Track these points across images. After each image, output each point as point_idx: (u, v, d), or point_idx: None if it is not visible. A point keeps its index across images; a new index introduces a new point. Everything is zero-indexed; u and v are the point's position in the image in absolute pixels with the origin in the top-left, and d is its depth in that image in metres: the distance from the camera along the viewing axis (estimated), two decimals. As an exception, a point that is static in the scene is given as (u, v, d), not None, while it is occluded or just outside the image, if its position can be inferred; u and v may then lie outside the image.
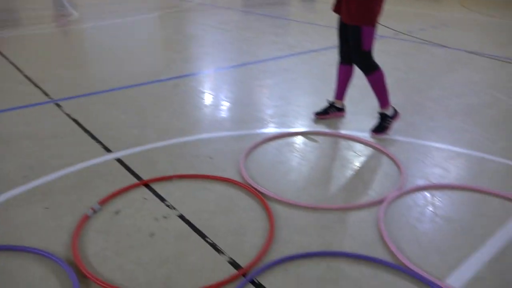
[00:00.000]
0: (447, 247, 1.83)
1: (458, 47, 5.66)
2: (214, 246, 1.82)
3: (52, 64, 4.69)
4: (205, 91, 3.83)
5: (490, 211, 2.10)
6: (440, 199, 2.20)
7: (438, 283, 1.60)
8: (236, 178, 2.36)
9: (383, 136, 2.91)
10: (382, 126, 2.91)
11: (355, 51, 2.74)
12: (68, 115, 3.22)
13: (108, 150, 2.68)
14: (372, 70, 2.76)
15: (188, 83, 4.04)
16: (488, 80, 4.22)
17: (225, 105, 3.50)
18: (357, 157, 2.66)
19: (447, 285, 1.60)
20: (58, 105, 3.42)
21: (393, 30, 6.84)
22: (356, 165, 2.55)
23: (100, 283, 1.58)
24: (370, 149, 2.76)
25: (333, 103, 3.17)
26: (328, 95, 3.44)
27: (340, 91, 3.12)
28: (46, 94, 3.69)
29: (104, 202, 2.10)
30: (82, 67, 4.63)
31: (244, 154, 2.59)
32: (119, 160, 2.55)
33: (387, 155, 2.65)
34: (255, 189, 2.23)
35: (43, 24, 7.14)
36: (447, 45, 5.77)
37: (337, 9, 2.81)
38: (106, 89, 3.82)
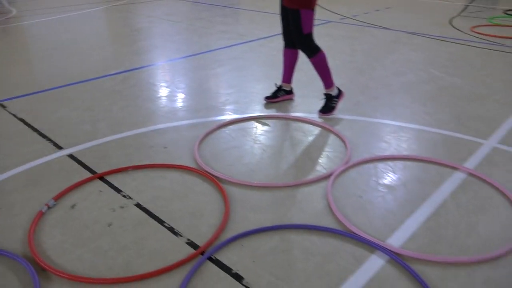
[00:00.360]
0: (389, 212, 2.00)
1: (399, 28, 5.95)
2: (172, 230, 1.89)
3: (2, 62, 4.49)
4: (157, 83, 3.83)
5: (427, 177, 2.29)
6: (382, 169, 2.37)
7: (380, 243, 1.76)
8: (191, 164, 2.42)
9: (330, 116, 3.06)
10: (329, 106, 3.06)
11: (296, 34, 2.85)
12: (14, 115, 3.13)
13: (59, 147, 2.65)
14: (314, 53, 2.89)
15: (139, 76, 4.02)
16: (426, 59, 4.49)
17: (177, 95, 3.53)
18: (306, 137, 2.80)
19: (387, 245, 1.76)
20: (2, 106, 3.31)
21: (339, 14, 7.05)
22: (305, 145, 2.69)
23: (60, 274, 1.61)
24: (318, 128, 2.90)
25: (281, 86, 3.29)
26: (277, 79, 3.54)
27: (287, 75, 3.23)
28: (-12, 95, 3.55)
29: (58, 197, 2.10)
30: (27, 65, 4.47)
31: (198, 142, 2.65)
32: (71, 156, 2.53)
33: (334, 133, 2.80)
34: (210, 173, 2.31)
35: (-21, 23, 6.76)
36: (389, 27, 6.05)
37: None
38: (54, 87, 3.73)
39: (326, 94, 3.07)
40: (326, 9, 7.55)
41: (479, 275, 1.62)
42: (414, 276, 1.59)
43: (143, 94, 3.56)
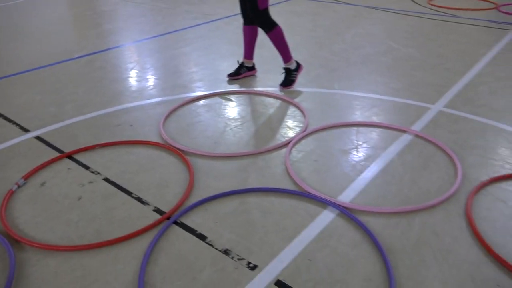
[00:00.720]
0: (341, 173, 2.18)
1: (360, 3, 6.09)
2: (139, 199, 2.00)
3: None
4: (122, 64, 3.87)
5: (377, 141, 2.48)
6: (336, 136, 2.54)
7: (332, 200, 1.93)
8: (157, 140, 2.53)
9: (291, 89, 3.20)
10: (288, 79, 3.19)
11: (252, 10, 2.96)
12: (-23, 101, 3.14)
13: (25, 130, 2.70)
14: (271, 28, 3.01)
15: (104, 58, 4.03)
16: (385, 32, 4.67)
17: (143, 75, 3.58)
18: (267, 109, 2.93)
19: (338, 201, 1.93)
20: (-35, 93, 3.30)
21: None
22: (266, 117, 2.82)
23: (33, 244, 1.71)
24: (279, 101, 3.04)
25: (243, 63, 3.39)
26: (241, 56, 3.64)
27: (248, 51, 3.34)
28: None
29: (28, 176, 2.18)
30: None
31: (163, 118, 2.74)
32: (39, 138, 2.59)
33: (293, 105, 2.95)
34: (174, 147, 2.42)
35: None
36: (350, 2, 6.19)
37: None
38: (17, 72, 3.72)
39: (285, 68, 3.20)
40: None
41: (417, 222, 1.81)
42: (361, 226, 1.77)
43: (109, 75, 3.60)
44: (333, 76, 3.45)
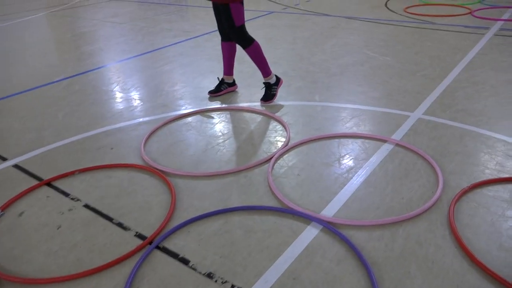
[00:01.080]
0: (324, 186, 2.17)
1: (338, 14, 6.18)
2: (120, 225, 1.97)
3: None
4: (102, 86, 3.84)
5: (359, 152, 2.49)
6: (318, 149, 2.54)
7: (315, 215, 1.92)
8: (138, 162, 2.50)
9: (272, 103, 3.21)
10: (269, 94, 3.20)
11: (229, 28, 2.97)
12: (-47, 131, 3.07)
13: (3, 158, 2.65)
14: (248, 44, 3.03)
15: (84, 81, 4.00)
16: (362, 41, 4.73)
17: (124, 96, 3.56)
18: (248, 125, 2.93)
19: (321, 216, 1.93)
20: None
21: (282, 4, 7.22)
22: (248, 133, 2.82)
23: (10, 279, 1.66)
24: (261, 116, 3.04)
25: (223, 79, 3.40)
26: (221, 73, 3.65)
27: (228, 67, 3.35)
28: None
29: (5, 207, 2.13)
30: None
31: (144, 139, 2.72)
32: (17, 166, 2.54)
33: (275, 119, 2.95)
34: (156, 168, 2.39)
35: None
36: (328, 13, 6.28)
37: None
38: (-6, 99, 3.67)
39: (265, 83, 3.22)
40: (269, 0, 7.69)
41: (401, 233, 1.81)
42: (345, 241, 1.77)
43: (89, 98, 3.56)
44: (314, 88, 3.48)
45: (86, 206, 2.12)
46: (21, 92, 3.78)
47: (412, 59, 4.03)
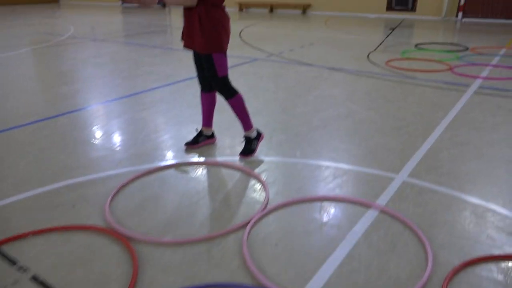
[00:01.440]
0: (303, 260, 1.98)
1: (321, 64, 6.22)
2: (70, 304, 1.71)
3: None
4: (73, 132, 3.63)
5: (342, 218, 2.32)
6: (298, 214, 2.37)
7: (293, 296, 1.71)
8: (101, 223, 2.27)
9: (251, 158, 3.05)
10: (249, 149, 3.05)
11: (212, 78, 2.87)
12: None
13: (-50, 214, 2.38)
14: (231, 95, 2.91)
15: (54, 125, 3.79)
16: (345, 93, 4.70)
17: (94, 145, 3.35)
18: (225, 183, 2.75)
19: (300, 297, 1.72)
20: None
21: (266, 52, 7.27)
22: (224, 191, 2.63)
23: None
24: (238, 173, 2.87)
25: (202, 131, 3.24)
26: (200, 123, 3.50)
27: (207, 119, 3.20)
28: None
29: None
30: None
31: (111, 197, 2.50)
32: (-37, 224, 2.28)
33: (254, 177, 2.78)
34: (119, 232, 2.16)
35: None
36: (311, 63, 6.31)
37: (187, 44, 2.90)
38: (-47, 143, 3.41)
39: (245, 137, 3.07)
40: (254, 47, 7.75)
41: (389, 321, 1.61)
42: (326, 330, 1.55)
43: (57, 145, 3.34)
44: (295, 143, 3.35)
45: (34, 278, 1.86)
46: (-16, 136, 3.54)
47: (395, 114, 3.98)
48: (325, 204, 2.45)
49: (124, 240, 2.09)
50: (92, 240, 2.14)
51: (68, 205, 2.46)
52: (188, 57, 7.04)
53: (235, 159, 3.06)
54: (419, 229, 2.16)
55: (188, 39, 2.86)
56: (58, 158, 3.10)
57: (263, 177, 2.77)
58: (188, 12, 2.77)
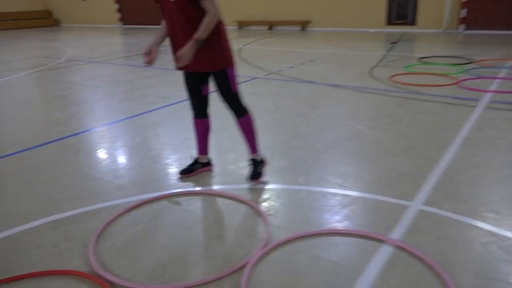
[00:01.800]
0: (311, 307, 1.72)
1: (322, 81, 6.02)
2: None
3: None
4: (60, 160, 3.41)
5: (354, 255, 2.06)
6: (305, 250, 2.12)
7: None
8: (83, 267, 2.02)
9: (251, 186, 2.81)
10: (257, 172, 2.84)
11: (226, 95, 2.67)
12: None
13: None
14: (244, 113, 2.75)
15: (41, 154, 3.58)
16: (348, 112, 4.48)
17: (82, 174, 3.13)
18: (221, 215, 2.50)
19: None
20: None
21: (265, 70, 7.10)
22: (220, 225, 2.39)
23: None
24: (236, 203, 2.62)
25: (197, 159, 3.02)
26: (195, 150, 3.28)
27: (202, 146, 2.98)
28: None
29: None
30: None
31: (96, 235, 2.26)
32: None
33: (254, 208, 2.53)
34: (102, 278, 1.92)
35: None
36: (312, 80, 6.12)
37: (191, 66, 2.58)
38: None
39: (253, 160, 2.86)
40: (253, 65, 7.59)
41: None
42: None
43: (42, 176, 3.12)
44: (298, 167, 3.11)
45: None
46: (-34, 168, 3.33)
47: (404, 133, 3.75)
48: (333, 238, 2.20)
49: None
50: (72, 287, 1.89)
51: (49, 246, 2.22)
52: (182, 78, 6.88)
53: (233, 187, 2.82)
54: (442, 269, 1.90)
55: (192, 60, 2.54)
56: (43, 191, 2.87)
57: (263, 208, 2.53)
58: (187, 33, 2.47)
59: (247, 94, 5.40)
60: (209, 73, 2.67)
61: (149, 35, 15.16)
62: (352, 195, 2.66)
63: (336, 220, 2.37)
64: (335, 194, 2.68)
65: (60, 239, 2.28)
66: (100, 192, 2.82)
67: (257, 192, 2.75)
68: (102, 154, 3.56)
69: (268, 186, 2.83)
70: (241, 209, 2.55)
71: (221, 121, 3.77)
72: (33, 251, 2.18)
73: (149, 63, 2.61)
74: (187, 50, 2.38)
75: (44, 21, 21.50)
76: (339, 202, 2.58)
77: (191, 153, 3.21)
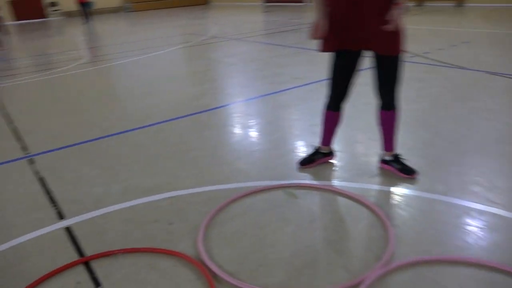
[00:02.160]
0: None
1: (478, 67, 5.12)
2: None
3: (52, 112, 4.60)
4: (187, 137, 3.54)
5: (499, 296, 1.62)
6: (434, 280, 1.74)
7: None
8: (191, 249, 2.01)
9: (373, 187, 2.48)
10: (408, 167, 2.56)
11: (391, 84, 2.37)
12: (37, 173, 3.00)
13: (61, 216, 2.41)
14: (394, 106, 2.46)
15: (171, 128, 3.77)
16: (509, 107, 3.69)
17: (204, 152, 3.18)
18: (336, 218, 2.24)
19: None
20: (31, 161, 3.22)
21: (408, 52, 6.37)
22: (333, 230, 2.14)
23: None
24: (358, 206, 2.33)
25: (318, 148, 2.79)
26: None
27: (328, 138, 2.73)
28: (24, 148, 3.51)
29: (28, 289, 1.81)
30: (80, 113, 4.48)
31: (207, 219, 2.24)
32: (68, 229, 2.27)
33: (376, 215, 2.21)
34: (206, 266, 1.87)
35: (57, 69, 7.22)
36: (466, 66, 5.25)
37: (357, 45, 2.26)
38: (88, 139, 3.62)
39: (396, 155, 2.60)
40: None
41: None
42: None
43: (168, 150, 3.27)
44: (436, 171, 2.64)
45: (108, 311, 1.68)
46: (115, 134, 3.69)
47: None
48: (479, 272, 1.77)
49: (209, 277, 1.78)
50: (178, 271, 1.88)
51: (165, 222, 2.28)
52: (320, 58, 6.60)
53: (355, 186, 2.52)
54: None
55: (358, 39, 2.26)
56: (168, 165, 3.00)
57: (389, 216, 2.18)
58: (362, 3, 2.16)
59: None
60: (380, 56, 2.29)
61: (289, 12, 15.14)
62: (505, 217, 2.13)
63: (480, 247, 1.91)
64: (482, 212, 2.18)
65: (176, 216, 2.32)
66: (221, 173, 2.81)
67: (383, 196, 2.41)
68: (227, 133, 3.59)
69: (395, 190, 2.45)
70: (362, 213, 2.25)
71: (350, 109, 3.44)
72: (150, 226, 2.25)
73: (318, 37, 2.34)
74: (399, 15, 2.06)
75: (196, -1, 23.28)
76: (486, 224, 2.08)
77: (313, 142, 2.99)
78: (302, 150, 3.07)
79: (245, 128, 3.66)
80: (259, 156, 3.05)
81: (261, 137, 3.42)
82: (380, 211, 2.21)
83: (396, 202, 2.33)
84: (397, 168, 2.56)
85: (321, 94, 4.50)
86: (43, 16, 21.89)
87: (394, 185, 2.50)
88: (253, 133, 3.53)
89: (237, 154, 3.13)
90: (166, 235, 2.16)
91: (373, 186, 2.51)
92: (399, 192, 2.43)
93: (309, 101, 4.27)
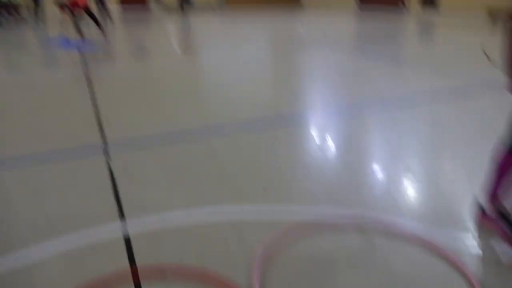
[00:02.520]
0: None
1: None
2: None
3: (139, 105, 4.68)
4: (277, 148, 3.32)
5: None
6: None
7: None
8: (243, 279, 1.79)
9: (475, 254, 2.02)
10: None
11: None
12: (109, 167, 2.98)
13: (122, 216, 2.34)
14: None
15: (271, 136, 3.58)
16: None
17: (292, 165, 2.96)
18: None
19: None
20: (107, 153, 3.23)
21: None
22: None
23: None
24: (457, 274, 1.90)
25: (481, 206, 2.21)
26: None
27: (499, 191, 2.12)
28: (103, 139, 3.54)
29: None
30: (163, 109, 4.48)
31: (265, 250, 1.98)
32: (125, 234, 2.18)
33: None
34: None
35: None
36: None
37: None
38: (164, 138, 3.58)
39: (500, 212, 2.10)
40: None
41: None
42: None
43: (255, 159, 3.09)
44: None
45: None
46: (182, 139, 3.62)
47: None
48: None
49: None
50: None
51: (222, 240, 2.10)
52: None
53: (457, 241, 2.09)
54: None
55: None
56: (253, 172, 2.87)
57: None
58: None
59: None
60: None
61: (388, 21, 14.27)
62: None
63: None
64: None
65: (238, 235, 2.13)
66: (306, 192, 2.58)
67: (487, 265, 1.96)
68: (331, 145, 3.32)
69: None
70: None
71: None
72: (207, 243, 2.09)
73: None
74: None
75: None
76: None
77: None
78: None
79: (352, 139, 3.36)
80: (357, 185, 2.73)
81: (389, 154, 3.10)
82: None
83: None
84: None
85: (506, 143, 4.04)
86: (143, 1, 22.49)
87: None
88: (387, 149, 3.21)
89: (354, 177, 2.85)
90: (220, 257, 1.98)
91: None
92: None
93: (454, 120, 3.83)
